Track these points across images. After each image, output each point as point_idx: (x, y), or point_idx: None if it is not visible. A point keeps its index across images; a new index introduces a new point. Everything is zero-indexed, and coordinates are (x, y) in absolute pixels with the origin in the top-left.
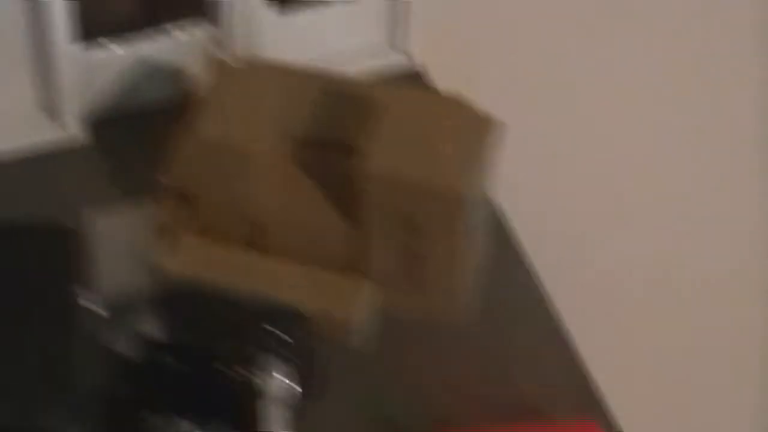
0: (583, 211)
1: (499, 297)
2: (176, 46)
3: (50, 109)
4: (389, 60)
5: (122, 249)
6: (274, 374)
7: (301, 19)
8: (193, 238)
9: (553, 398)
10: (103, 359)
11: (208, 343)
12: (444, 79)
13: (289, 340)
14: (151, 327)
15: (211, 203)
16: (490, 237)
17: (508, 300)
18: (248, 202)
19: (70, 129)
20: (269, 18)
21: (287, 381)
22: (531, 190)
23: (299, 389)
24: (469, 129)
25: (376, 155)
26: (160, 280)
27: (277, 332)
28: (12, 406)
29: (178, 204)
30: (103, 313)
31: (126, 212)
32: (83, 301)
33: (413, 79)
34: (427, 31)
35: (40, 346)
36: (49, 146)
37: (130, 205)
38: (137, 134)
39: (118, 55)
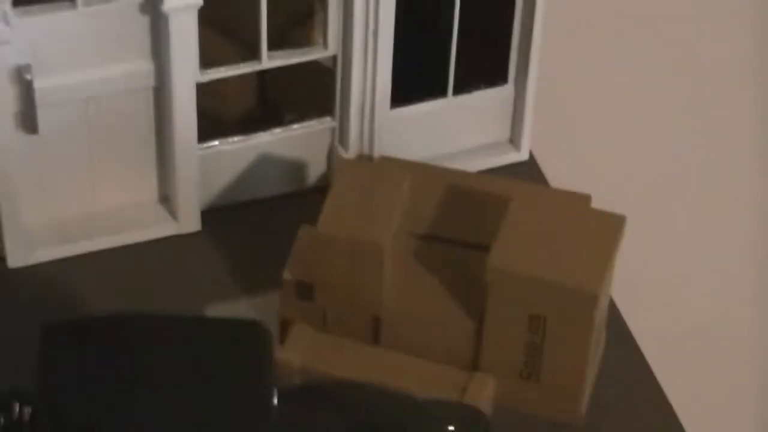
0: (694, 306)
1: (616, 394)
2: (296, 140)
3: (169, 201)
4: (508, 156)
5: None
6: None
7: (421, 115)
8: (313, 332)
9: None
10: None
11: None
12: (562, 177)
13: None
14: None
15: (332, 297)
16: (609, 333)
17: (624, 397)
18: (370, 296)
19: (189, 222)
20: (389, 114)
21: None
22: (645, 285)
23: None
24: (593, 226)
25: (501, 251)
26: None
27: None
28: None
29: (298, 297)
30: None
31: (245, 305)
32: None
33: (533, 176)
34: (545, 128)
35: None
36: (168, 238)
37: (248, 298)
38: (255, 227)
39: (238, 149)
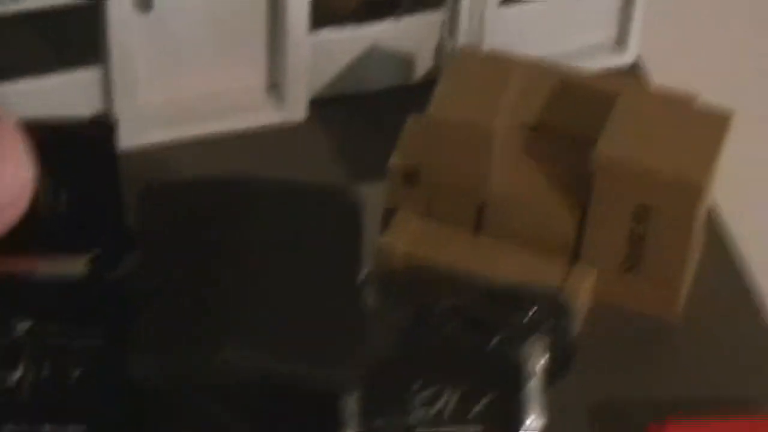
0: None
1: (713, 291)
2: (406, 32)
3: (278, 89)
4: (615, 58)
5: None
6: (538, 353)
7: (528, 14)
8: (419, 219)
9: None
10: (387, 326)
11: (484, 323)
12: (668, 80)
13: (550, 322)
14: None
15: (439, 184)
16: (707, 232)
17: (720, 295)
18: (476, 182)
19: (296, 110)
20: (498, 11)
21: (546, 359)
22: (747, 187)
23: (554, 367)
24: (700, 122)
25: (609, 140)
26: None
27: (539, 314)
28: (297, 363)
29: (404, 184)
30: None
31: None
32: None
33: (640, 76)
34: (652, 29)
35: (324, 307)
36: (275, 125)
37: (354, 186)
38: (362, 117)
39: (349, 39)
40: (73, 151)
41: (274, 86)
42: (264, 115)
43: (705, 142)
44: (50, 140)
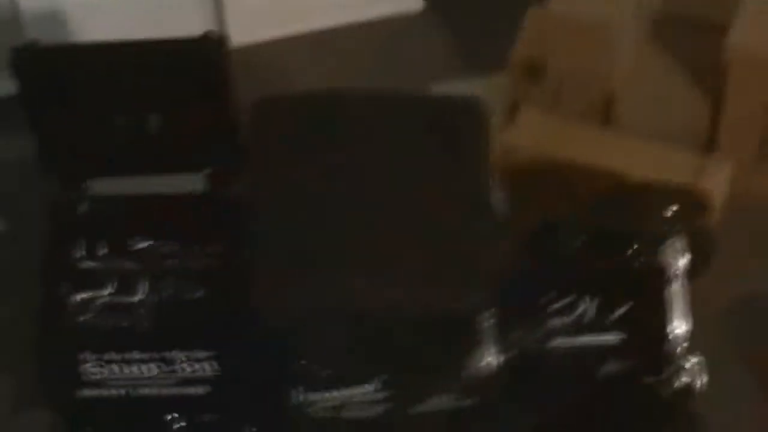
0: None
1: None
2: None
3: None
4: None
5: None
6: (677, 255)
7: None
8: (542, 114)
9: None
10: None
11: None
12: None
13: (688, 221)
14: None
15: (563, 78)
16: None
17: None
18: (602, 74)
19: (413, 0)
20: None
21: (687, 261)
22: None
23: (694, 267)
24: None
25: (741, 30)
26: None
27: (677, 213)
28: (429, 291)
29: (526, 78)
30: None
31: (469, 86)
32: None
33: None
34: None
35: (452, 226)
36: (390, 16)
37: (472, 79)
38: (480, 7)
39: None
40: (184, 71)
41: None
42: (379, 6)
43: None
44: (159, 61)
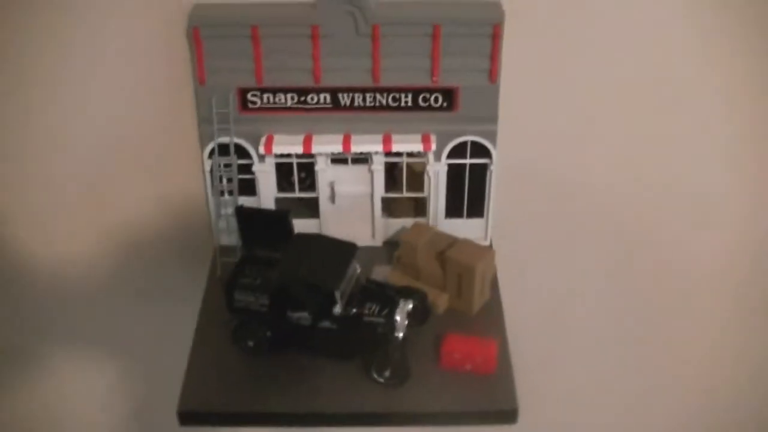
0: None
1: None
2: None
3: None
4: None
5: None
6: (401, 317)
7: None
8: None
9: None
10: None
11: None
12: None
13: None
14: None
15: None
16: None
17: None
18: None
19: None
20: None
21: (408, 319)
22: None
23: (413, 322)
24: None
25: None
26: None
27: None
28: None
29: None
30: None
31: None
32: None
33: None
34: None
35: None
36: None
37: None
38: None
39: None
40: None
41: None
42: None
43: None
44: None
